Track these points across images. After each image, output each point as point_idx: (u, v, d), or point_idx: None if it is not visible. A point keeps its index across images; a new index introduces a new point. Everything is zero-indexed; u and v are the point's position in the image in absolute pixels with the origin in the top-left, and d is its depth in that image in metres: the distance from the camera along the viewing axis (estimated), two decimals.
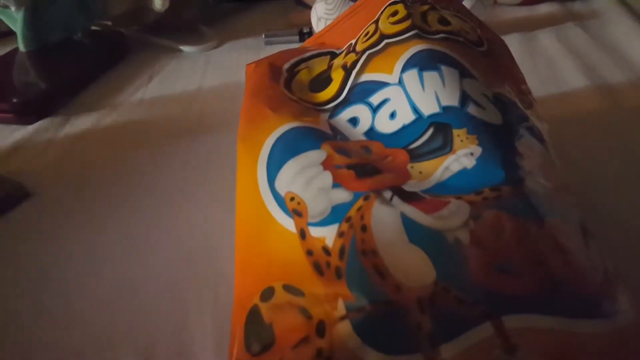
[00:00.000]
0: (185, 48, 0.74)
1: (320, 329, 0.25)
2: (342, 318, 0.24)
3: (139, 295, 0.37)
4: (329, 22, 0.68)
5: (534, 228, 0.26)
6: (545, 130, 0.36)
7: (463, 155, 0.29)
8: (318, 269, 0.27)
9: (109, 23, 0.80)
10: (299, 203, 0.29)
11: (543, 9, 0.75)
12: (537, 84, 0.57)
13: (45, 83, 0.65)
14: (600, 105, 0.53)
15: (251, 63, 0.41)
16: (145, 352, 0.33)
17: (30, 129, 0.58)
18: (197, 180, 0.48)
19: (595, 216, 0.38)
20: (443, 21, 0.37)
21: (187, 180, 0.48)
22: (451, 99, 0.31)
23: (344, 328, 0.24)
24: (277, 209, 0.30)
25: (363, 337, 0.24)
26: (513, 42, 0.66)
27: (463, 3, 0.64)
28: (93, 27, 0.78)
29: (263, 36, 0.74)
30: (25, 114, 0.59)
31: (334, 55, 0.41)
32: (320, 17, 0.68)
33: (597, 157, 0.46)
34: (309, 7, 0.73)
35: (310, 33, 0.72)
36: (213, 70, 0.68)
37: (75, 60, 0.70)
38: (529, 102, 0.38)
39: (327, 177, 0.30)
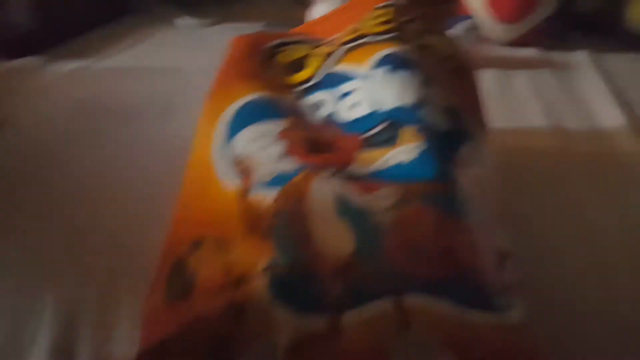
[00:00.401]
0: (185, 19, 0.75)
1: (239, 281, 0.26)
2: (261, 274, 0.26)
3: (87, 240, 0.38)
4: None
5: (451, 223, 0.29)
6: (490, 152, 0.39)
7: (404, 150, 0.31)
8: (250, 227, 0.29)
9: None
10: (248, 165, 0.32)
11: (524, 53, 0.79)
12: (502, 116, 0.60)
13: (35, 22, 0.65)
14: (553, 145, 0.57)
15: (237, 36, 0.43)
16: (80, 279, 0.35)
17: (14, 63, 0.59)
18: (160, 142, 0.49)
19: (525, 238, 0.41)
20: (421, 33, 0.40)
21: (153, 140, 0.49)
22: (408, 100, 0.34)
23: (260, 283, 0.26)
24: (224, 167, 0.32)
25: (276, 293, 0.25)
26: (489, 77, 0.69)
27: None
28: None
29: (262, 25, 0.75)
30: (11, 51, 0.60)
31: (316, 44, 0.43)
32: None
33: (541, 186, 0.50)
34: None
35: None
36: (205, 45, 0.69)
37: (72, 8, 0.70)
38: (482, 124, 0.41)
39: (280, 147, 0.32)
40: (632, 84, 0.70)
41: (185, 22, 0.75)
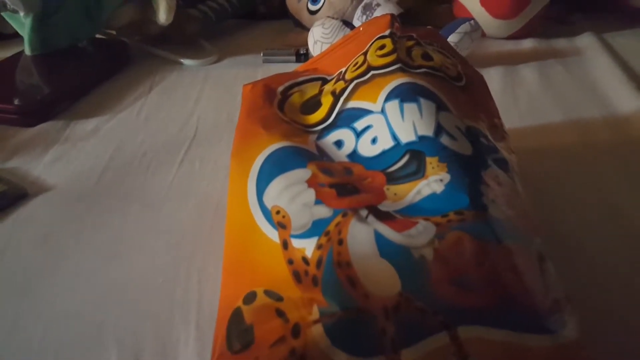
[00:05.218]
0: (186, 61, 0.77)
1: (296, 330, 0.27)
2: (316, 321, 0.27)
3: (127, 294, 0.39)
4: (325, 46, 0.72)
5: (492, 249, 0.29)
6: (514, 162, 0.39)
7: (433, 181, 0.32)
8: (297, 276, 0.30)
9: (114, 32, 0.83)
10: (284, 216, 0.32)
11: (528, 44, 0.79)
12: (516, 116, 0.60)
13: (49, 87, 0.67)
14: (573, 140, 0.57)
15: (248, 84, 0.44)
16: (132, 349, 0.35)
17: (32, 131, 0.61)
18: (188, 189, 0.50)
19: (557, 242, 0.41)
20: (426, 56, 0.41)
21: (179, 187, 0.51)
22: (427, 130, 0.35)
23: (317, 330, 0.27)
24: (263, 220, 0.33)
25: (333, 339, 0.26)
26: (497, 75, 0.69)
27: (452, 35, 0.68)
28: (98, 36, 0.81)
29: (261, 54, 0.77)
30: (28, 117, 0.62)
31: (325, 81, 0.44)
32: (317, 40, 0.72)
33: (566, 187, 0.50)
34: (307, 29, 0.76)
35: (307, 54, 0.76)
36: (212, 85, 0.71)
37: (79, 67, 0.73)
38: (501, 134, 0.41)
39: (311, 194, 0.33)
40: None
41: (188, 64, 0.77)
